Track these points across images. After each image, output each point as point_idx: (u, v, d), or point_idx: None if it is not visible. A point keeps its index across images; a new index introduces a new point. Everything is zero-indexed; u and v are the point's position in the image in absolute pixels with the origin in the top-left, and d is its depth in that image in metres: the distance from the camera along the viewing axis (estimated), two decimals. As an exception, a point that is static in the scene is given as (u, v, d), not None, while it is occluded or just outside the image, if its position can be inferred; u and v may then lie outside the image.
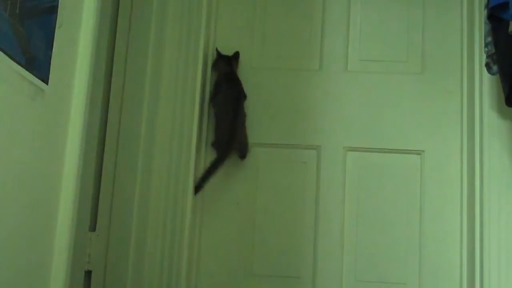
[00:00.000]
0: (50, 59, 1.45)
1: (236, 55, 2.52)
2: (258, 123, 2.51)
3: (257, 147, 2.51)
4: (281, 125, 2.52)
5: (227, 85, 2.47)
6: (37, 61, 1.40)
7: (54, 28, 1.47)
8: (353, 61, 2.57)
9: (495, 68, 2.10)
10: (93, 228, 2.11)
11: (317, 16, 2.61)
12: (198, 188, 2.36)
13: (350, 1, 2.61)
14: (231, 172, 2.49)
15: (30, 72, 1.36)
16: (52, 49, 1.46)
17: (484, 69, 2.18)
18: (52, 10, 1.46)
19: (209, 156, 2.47)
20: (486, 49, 2.13)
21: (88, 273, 2.09)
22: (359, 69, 2.56)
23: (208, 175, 2.36)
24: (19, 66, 1.32)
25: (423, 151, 2.46)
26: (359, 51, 2.57)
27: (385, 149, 2.49)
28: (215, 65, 2.51)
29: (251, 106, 2.51)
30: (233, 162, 2.48)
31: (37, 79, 1.40)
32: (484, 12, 2.11)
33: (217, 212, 2.47)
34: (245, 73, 2.53)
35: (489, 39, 2.10)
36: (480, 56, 2.29)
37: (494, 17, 1.96)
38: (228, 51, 2.55)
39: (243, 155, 2.46)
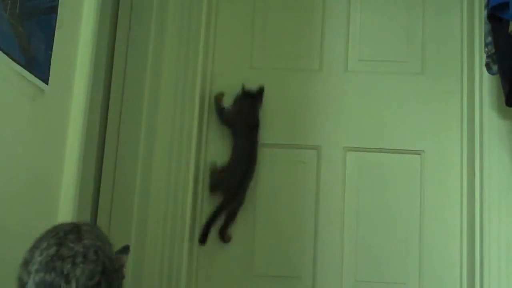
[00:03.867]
0: (50, 59, 1.45)
1: (261, 92, 2.45)
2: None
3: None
4: (281, 125, 2.52)
5: (245, 133, 2.42)
6: (37, 61, 1.40)
7: (54, 28, 1.47)
8: (353, 61, 2.57)
9: (495, 68, 2.10)
10: (93, 228, 2.11)
11: (317, 17, 2.60)
12: (205, 236, 2.36)
13: (350, 1, 2.61)
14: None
15: (30, 72, 1.37)
16: (52, 49, 1.46)
17: (484, 69, 2.18)
18: (52, 10, 1.46)
19: (209, 156, 2.48)
20: (486, 49, 2.13)
21: (88, 273, 2.08)
22: (359, 69, 2.56)
23: (212, 221, 2.37)
24: (19, 66, 1.32)
25: (423, 151, 2.46)
26: (359, 51, 2.57)
27: (385, 149, 2.49)
28: (238, 102, 2.44)
29: None
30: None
31: (37, 79, 1.40)
32: (484, 12, 2.11)
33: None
34: (245, 73, 2.53)
35: (489, 39, 2.10)
36: (480, 56, 2.29)
37: (494, 17, 1.96)
38: (228, 51, 2.55)
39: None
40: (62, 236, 0.89)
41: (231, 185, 2.39)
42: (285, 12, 2.62)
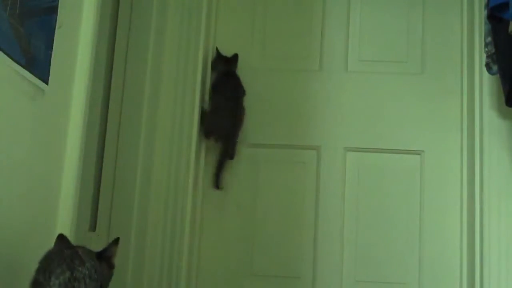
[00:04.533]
0: (50, 59, 1.45)
1: (235, 56, 2.52)
2: (258, 124, 2.51)
3: (257, 148, 2.51)
4: (281, 126, 2.52)
5: (226, 82, 2.49)
6: (37, 61, 1.40)
7: (54, 28, 1.47)
8: (353, 61, 2.57)
9: (495, 68, 2.10)
10: (93, 228, 2.11)
11: (317, 17, 2.61)
12: (217, 182, 2.44)
13: (350, 2, 2.61)
14: (232, 173, 2.49)
15: (30, 72, 1.37)
16: (52, 49, 1.46)
17: (484, 69, 2.18)
18: (52, 10, 1.46)
19: (209, 156, 2.48)
20: (486, 49, 2.13)
21: (88, 273, 2.08)
22: (359, 70, 2.56)
23: (219, 170, 2.44)
24: (19, 66, 1.32)
25: (422, 151, 2.46)
26: (359, 51, 2.57)
27: (385, 149, 2.49)
28: (213, 63, 2.52)
29: (251, 107, 2.51)
30: (234, 163, 2.49)
31: (37, 79, 1.40)
32: (484, 12, 2.11)
33: (218, 212, 2.47)
34: (245, 74, 2.53)
35: (489, 39, 2.10)
36: (480, 56, 2.29)
37: (494, 17, 1.96)
38: (228, 52, 2.55)
39: (231, 154, 2.49)
40: (70, 262, 1.13)
41: (221, 128, 2.45)
42: (285, 13, 2.62)
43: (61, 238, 1.26)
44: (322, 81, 2.55)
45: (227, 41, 2.59)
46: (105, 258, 1.23)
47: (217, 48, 2.52)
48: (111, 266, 1.25)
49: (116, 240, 1.27)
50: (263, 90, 2.53)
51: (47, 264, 1.14)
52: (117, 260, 1.26)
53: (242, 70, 2.53)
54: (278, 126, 2.52)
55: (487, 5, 2.02)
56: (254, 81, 2.53)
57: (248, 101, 2.51)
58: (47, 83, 1.44)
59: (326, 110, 2.52)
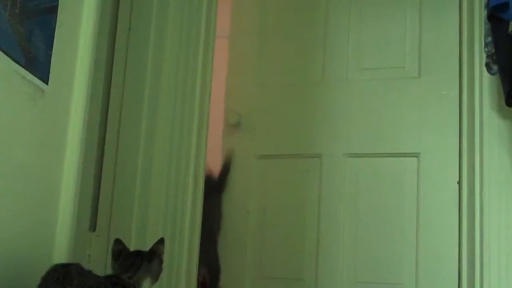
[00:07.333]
0: (50, 59, 1.45)
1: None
2: (264, 136, 2.57)
3: (263, 159, 2.58)
4: (286, 137, 2.59)
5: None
6: (37, 61, 1.40)
7: (54, 28, 1.47)
8: (353, 70, 2.60)
9: (495, 68, 2.10)
10: (93, 228, 2.11)
11: (320, 32, 2.66)
12: None
13: (350, 13, 2.63)
14: (240, 183, 2.54)
15: (30, 72, 1.37)
16: (52, 49, 1.46)
17: (484, 69, 2.18)
18: (52, 10, 1.46)
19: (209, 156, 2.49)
20: (486, 49, 2.13)
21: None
22: (359, 78, 2.59)
23: None
24: (19, 66, 1.32)
25: (419, 153, 2.47)
26: (359, 60, 2.61)
27: (382, 153, 2.51)
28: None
29: (256, 120, 2.56)
30: (240, 173, 2.53)
31: (37, 79, 1.40)
32: (484, 12, 2.11)
33: (226, 219, 2.50)
34: (254, 91, 2.59)
35: (489, 39, 2.10)
36: (480, 56, 2.29)
37: (494, 17, 1.96)
38: (237, 69, 2.61)
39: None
40: (62, 281, 1.19)
41: None
42: (291, 32, 2.68)
43: (117, 242, 1.39)
44: (324, 91, 2.59)
45: (237, 60, 2.65)
46: (157, 256, 1.40)
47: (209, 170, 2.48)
48: (161, 262, 1.41)
49: (162, 240, 1.43)
50: (269, 105, 2.61)
51: (43, 283, 1.21)
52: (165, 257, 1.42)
53: (252, 87, 2.58)
54: (283, 137, 2.59)
55: (487, 5, 2.02)
56: (261, 97, 2.58)
57: (256, 116, 2.58)
58: (47, 83, 1.44)
59: (328, 119, 2.56)
